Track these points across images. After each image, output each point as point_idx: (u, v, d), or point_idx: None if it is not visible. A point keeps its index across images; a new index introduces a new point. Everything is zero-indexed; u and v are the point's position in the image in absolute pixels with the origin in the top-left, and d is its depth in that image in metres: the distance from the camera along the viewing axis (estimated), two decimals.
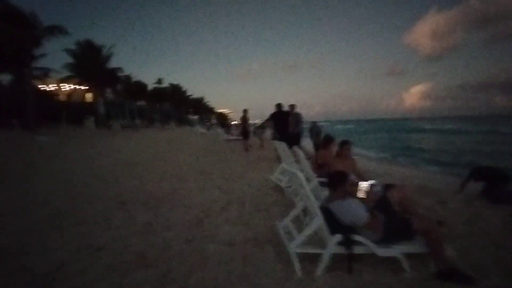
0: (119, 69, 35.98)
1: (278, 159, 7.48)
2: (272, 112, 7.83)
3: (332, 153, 4.62)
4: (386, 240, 2.36)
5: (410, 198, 2.99)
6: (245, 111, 11.33)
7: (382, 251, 2.28)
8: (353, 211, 2.34)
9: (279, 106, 7.84)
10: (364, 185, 2.62)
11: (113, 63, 35.86)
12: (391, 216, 2.54)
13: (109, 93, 50.40)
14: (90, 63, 30.13)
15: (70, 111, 21.20)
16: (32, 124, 15.12)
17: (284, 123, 7.48)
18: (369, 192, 2.61)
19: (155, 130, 28.14)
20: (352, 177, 3.67)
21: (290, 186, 4.35)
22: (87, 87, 32.41)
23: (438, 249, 2.23)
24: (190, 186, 5.08)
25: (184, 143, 14.25)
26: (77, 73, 29.90)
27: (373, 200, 2.60)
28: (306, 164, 3.63)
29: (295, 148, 4.38)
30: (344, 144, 3.69)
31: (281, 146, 4.58)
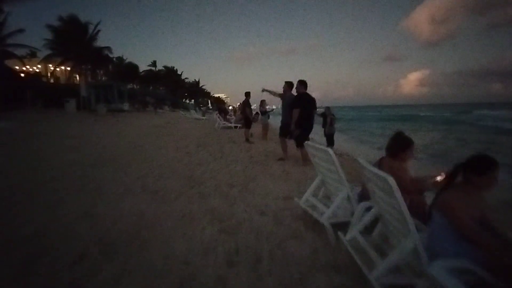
0: (108, 48, 33.37)
1: (301, 159, 5.56)
2: (298, 93, 5.48)
3: (406, 166, 2.77)
4: None
5: None
6: (247, 94, 9.35)
7: None
8: None
9: (305, 85, 5.48)
10: None
11: (105, 45, 33.24)
12: None
13: (100, 75, 47.80)
14: (74, 40, 27.51)
15: (48, 93, 18.92)
16: None
17: (311, 113, 5.42)
18: None
19: (146, 115, 25.93)
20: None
21: (340, 226, 2.50)
22: (69, 67, 29.91)
23: None
24: (167, 210, 3.21)
25: (174, 132, 12.30)
26: (60, 51, 27.31)
27: None
28: (400, 199, 1.73)
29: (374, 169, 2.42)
30: (487, 163, 1.74)
31: (326, 155, 2.70)
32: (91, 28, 29.96)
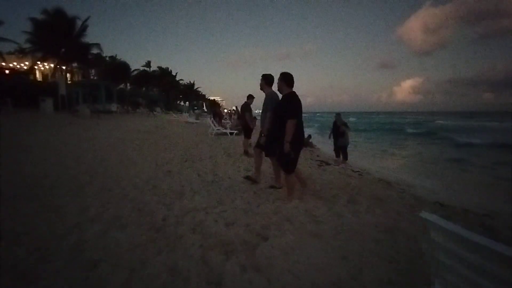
0: (97, 45, 31.44)
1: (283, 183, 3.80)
2: (287, 94, 3.70)
3: None
4: None
5: None
6: (249, 97, 7.66)
7: None
8: None
9: (292, 80, 3.69)
10: None
11: (100, 46, 31.31)
12: None
13: (93, 75, 45.72)
14: (59, 35, 25.56)
15: (21, 92, 16.94)
16: None
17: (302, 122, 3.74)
18: None
19: (135, 117, 24.06)
20: None
21: None
22: (53, 64, 27.82)
23: None
24: None
25: (159, 139, 10.53)
26: (42, 46, 25.27)
27: None
28: None
29: None
30: None
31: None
32: (79, 23, 28.11)
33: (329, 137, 9.21)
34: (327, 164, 7.72)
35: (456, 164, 10.92)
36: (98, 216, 3.03)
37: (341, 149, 8.91)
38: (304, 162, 7.42)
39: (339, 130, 9.03)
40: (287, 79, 3.62)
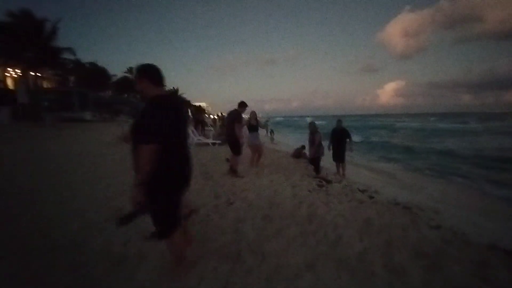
0: (69, 49, 29.23)
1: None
2: (152, 97, 2.02)
3: None
4: None
5: None
6: (242, 105, 6.16)
7: None
8: None
9: (156, 76, 2.07)
10: None
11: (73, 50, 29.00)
12: None
13: (72, 82, 43.31)
14: (25, 39, 23.44)
15: None
16: None
17: (185, 145, 2.23)
18: None
19: (112, 126, 22.16)
20: None
21: None
22: (20, 70, 25.52)
23: None
24: None
25: (127, 154, 8.90)
26: (4, 50, 23.01)
27: None
28: None
29: None
30: None
31: None
32: (49, 26, 25.97)
33: (329, 148, 7.89)
34: (328, 181, 6.39)
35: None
36: None
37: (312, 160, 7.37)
38: (301, 181, 6.04)
39: (340, 138, 7.80)
40: (150, 74, 2.05)
